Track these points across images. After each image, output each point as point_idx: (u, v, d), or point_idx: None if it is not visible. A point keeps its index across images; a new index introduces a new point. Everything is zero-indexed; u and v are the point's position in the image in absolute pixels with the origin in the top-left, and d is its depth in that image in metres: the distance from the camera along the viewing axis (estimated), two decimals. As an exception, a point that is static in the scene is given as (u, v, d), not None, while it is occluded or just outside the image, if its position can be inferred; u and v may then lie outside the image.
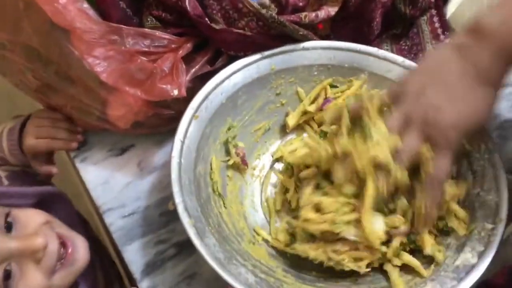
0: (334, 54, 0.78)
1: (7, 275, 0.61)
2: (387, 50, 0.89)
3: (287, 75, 0.78)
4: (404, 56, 0.89)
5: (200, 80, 0.74)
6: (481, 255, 0.59)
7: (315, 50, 0.78)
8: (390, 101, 0.61)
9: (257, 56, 0.76)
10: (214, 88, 0.72)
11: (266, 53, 0.76)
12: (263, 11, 0.73)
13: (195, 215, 0.62)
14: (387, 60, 0.77)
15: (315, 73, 0.78)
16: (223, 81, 0.73)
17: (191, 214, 0.61)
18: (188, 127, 0.69)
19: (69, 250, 0.67)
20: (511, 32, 0.56)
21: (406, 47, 0.91)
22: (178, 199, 0.62)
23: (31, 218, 0.67)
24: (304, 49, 0.78)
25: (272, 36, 0.76)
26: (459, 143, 0.60)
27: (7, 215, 0.65)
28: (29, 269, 0.62)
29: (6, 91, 1.34)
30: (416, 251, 0.65)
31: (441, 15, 0.92)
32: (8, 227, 0.64)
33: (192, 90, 0.72)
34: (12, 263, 0.62)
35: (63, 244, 0.67)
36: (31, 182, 0.86)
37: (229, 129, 0.75)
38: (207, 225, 0.63)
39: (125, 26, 0.69)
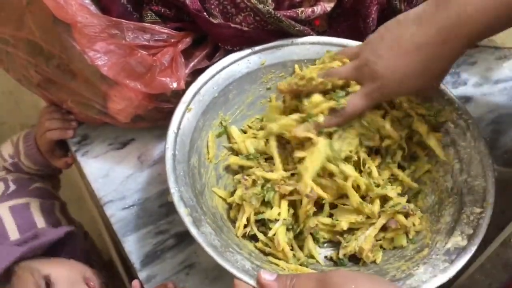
0: (323, 49, 0.79)
1: None
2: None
3: (277, 70, 0.79)
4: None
5: (198, 75, 0.75)
6: (470, 238, 0.61)
7: (304, 45, 0.79)
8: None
9: (247, 51, 0.77)
10: (206, 82, 0.73)
11: (256, 48, 0.78)
12: (260, 6, 0.74)
13: (190, 204, 0.63)
14: None
15: (304, 68, 0.79)
16: (214, 75, 0.74)
17: (187, 204, 0.62)
18: (181, 119, 0.69)
19: None
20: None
21: (402, 44, 0.92)
22: (173, 189, 0.63)
23: (64, 279, 0.75)
24: (293, 44, 0.79)
25: (268, 31, 0.77)
26: (384, 96, 0.66)
27: (48, 278, 0.73)
28: None
29: (9, 89, 1.37)
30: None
31: (436, 12, 0.93)
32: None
33: (191, 84, 0.73)
34: None
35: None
36: (29, 185, 0.92)
37: (221, 123, 0.76)
38: (203, 214, 0.64)
39: (125, 21, 0.70)
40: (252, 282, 0.57)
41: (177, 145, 0.67)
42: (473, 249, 0.60)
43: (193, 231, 0.60)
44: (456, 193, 0.67)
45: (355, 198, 0.68)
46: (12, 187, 0.90)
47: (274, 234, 0.67)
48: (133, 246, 0.74)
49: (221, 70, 0.75)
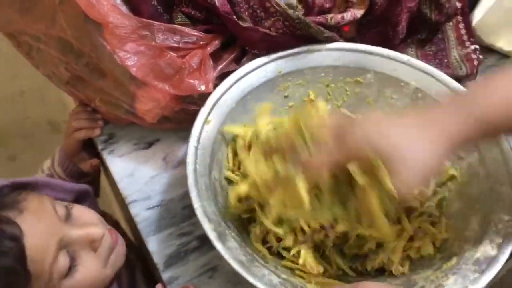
0: (340, 55, 0.78)
1: (72, 260, 0.64)
2: (411, 54, 0.90)
3: (294, 78, 0.78)
4: (429, 61, 0.89)
5: (226, 78, 0.75)
6: (500, 247, 0.60)
7: (320, 52, 0.78)
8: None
9: (263, 60, 0.76)
10: (223, 93, 0.73)
11: (273, 56, 0.77)
12: (290, 11, 0.74)
13: (214, 219, 0.62)
14: (392, 59, 0.77)
15: (322, 74, 0.79)
16: (232, 85, 0.73)
17: (210, 218, 0.61)
18: (200, 132, 0.69)
19: (119, 242, 0.71)
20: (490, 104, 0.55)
21: (431, 53, 0.92)
22: (196, 204, 0.62)
23: (84, 213, 0.70)
24: (309, 51, 0.78)
25: (296, 37, 0.77)
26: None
27: (69, 207, 0.69)
28: (87, 256, 0.66)
29: (36, 86, 1.38)
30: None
31: (467, 22, 0.92)
32: (66, 219, 0.68)
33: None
34: (70, 250, 0.64)
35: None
36: None
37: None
38: (227, 228, 0.63)
39: (156, 22, 0.71)
40: None
41: (197, 158, 0.66)
42: (504, 258, 0.58)
43: (219, 247, 0.59)
44: (482, 200, 0.66)
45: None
46: None
47: (299, 254, 0.66)
48: (157, 247, 0.74)
49: (238, 80, 0.74)
